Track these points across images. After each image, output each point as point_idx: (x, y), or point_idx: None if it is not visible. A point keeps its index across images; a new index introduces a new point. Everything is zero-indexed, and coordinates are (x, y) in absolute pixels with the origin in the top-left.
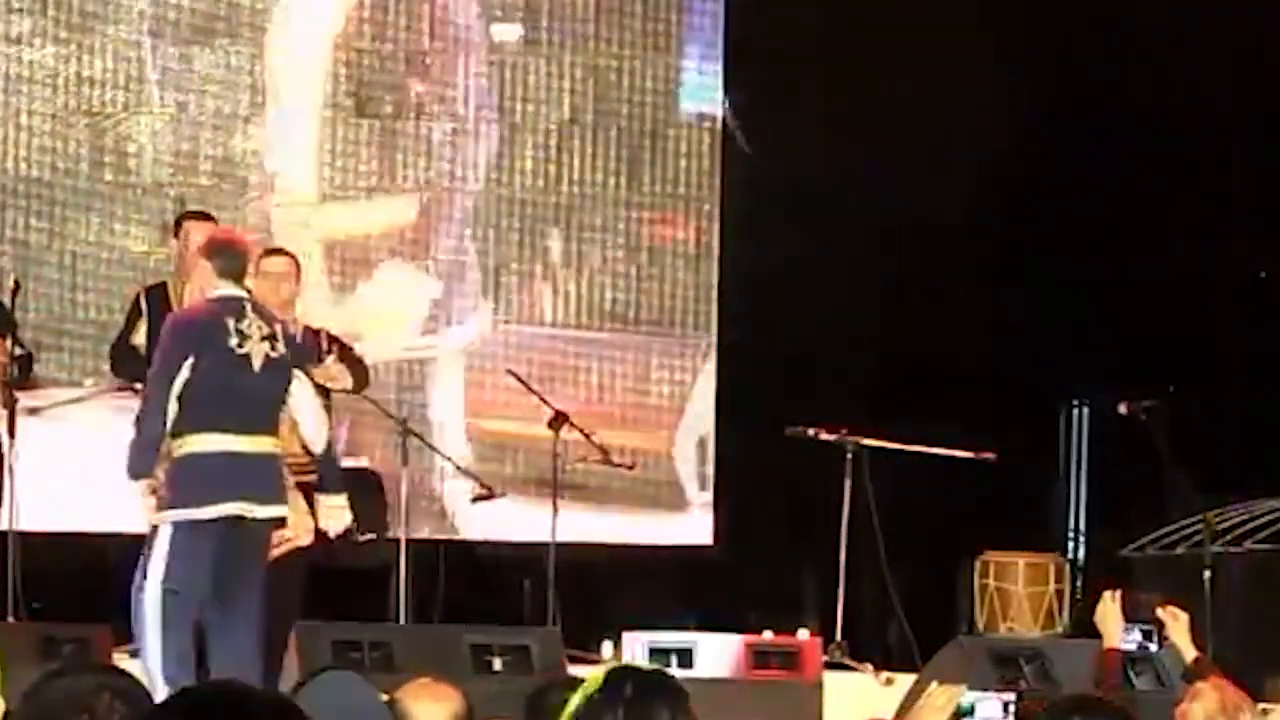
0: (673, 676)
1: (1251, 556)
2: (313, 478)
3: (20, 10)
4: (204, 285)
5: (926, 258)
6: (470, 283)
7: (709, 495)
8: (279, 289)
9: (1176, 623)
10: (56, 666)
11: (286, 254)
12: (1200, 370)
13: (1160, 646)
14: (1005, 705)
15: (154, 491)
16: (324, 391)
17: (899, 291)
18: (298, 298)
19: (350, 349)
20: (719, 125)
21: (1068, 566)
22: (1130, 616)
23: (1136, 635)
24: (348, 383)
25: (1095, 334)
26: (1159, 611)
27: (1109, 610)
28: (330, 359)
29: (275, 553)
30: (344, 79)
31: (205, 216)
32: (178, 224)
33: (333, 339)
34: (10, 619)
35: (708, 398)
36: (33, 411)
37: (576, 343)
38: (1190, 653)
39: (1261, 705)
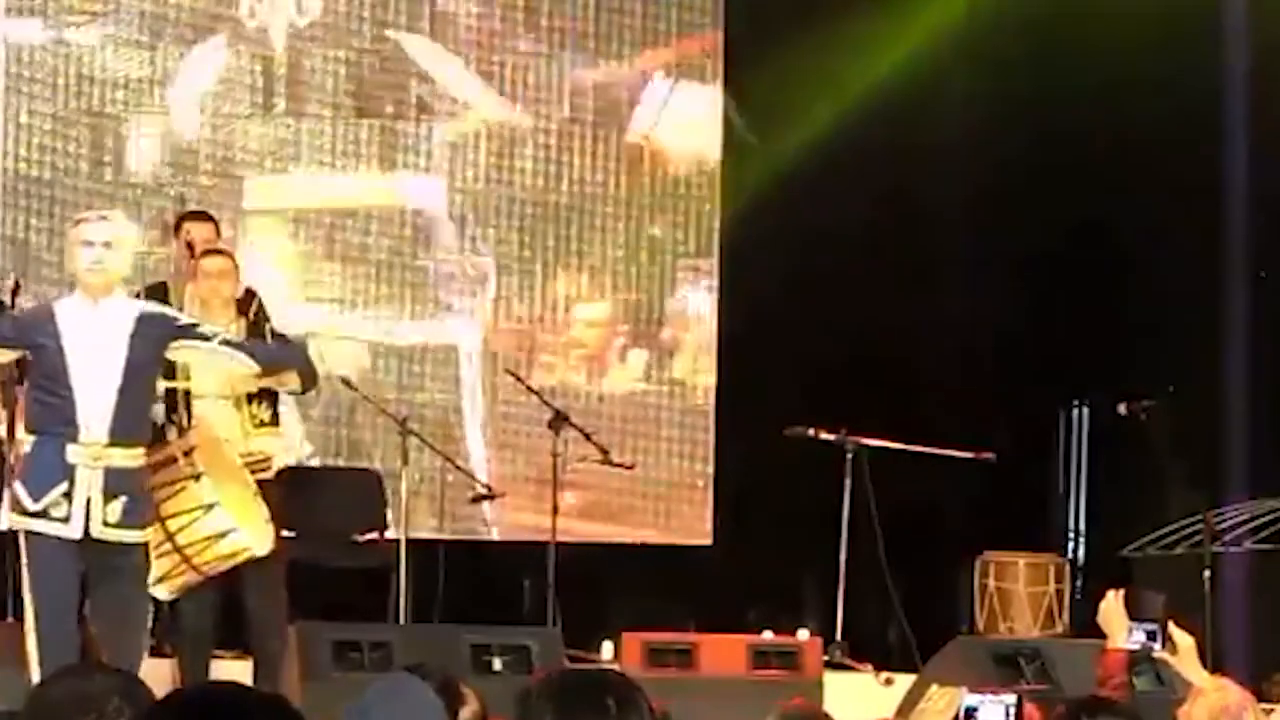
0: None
1: (1251, 556)
2: (267, 476)
3: (21, 10)
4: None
5: (927, 257)
6: (470, 283)
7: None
8: (219, 289)
9: (1184, 651)
10: (68, 666)
11: (224, 254)
12: (1200, 370)
13: (1162, 647)
14: (1007, 709)
15: None
16: (272, 394)
17: (899, 291)
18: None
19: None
20: (720, 124)
21: (1068, 566)
22: (1134, 615)
23: (1140, 635)
24: (296, 384)
25: (1095, 334)
26: (1172, 629)
27: (1112, 610)
28: None
29: (232, 564)
30: (344, 79)
31: (205, 216)
32: (178, 224)
33: (278, 337)
34: (10, 619)
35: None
36: None
37: (576, 343)
38: (1201, 679)
39: (1263, 705)
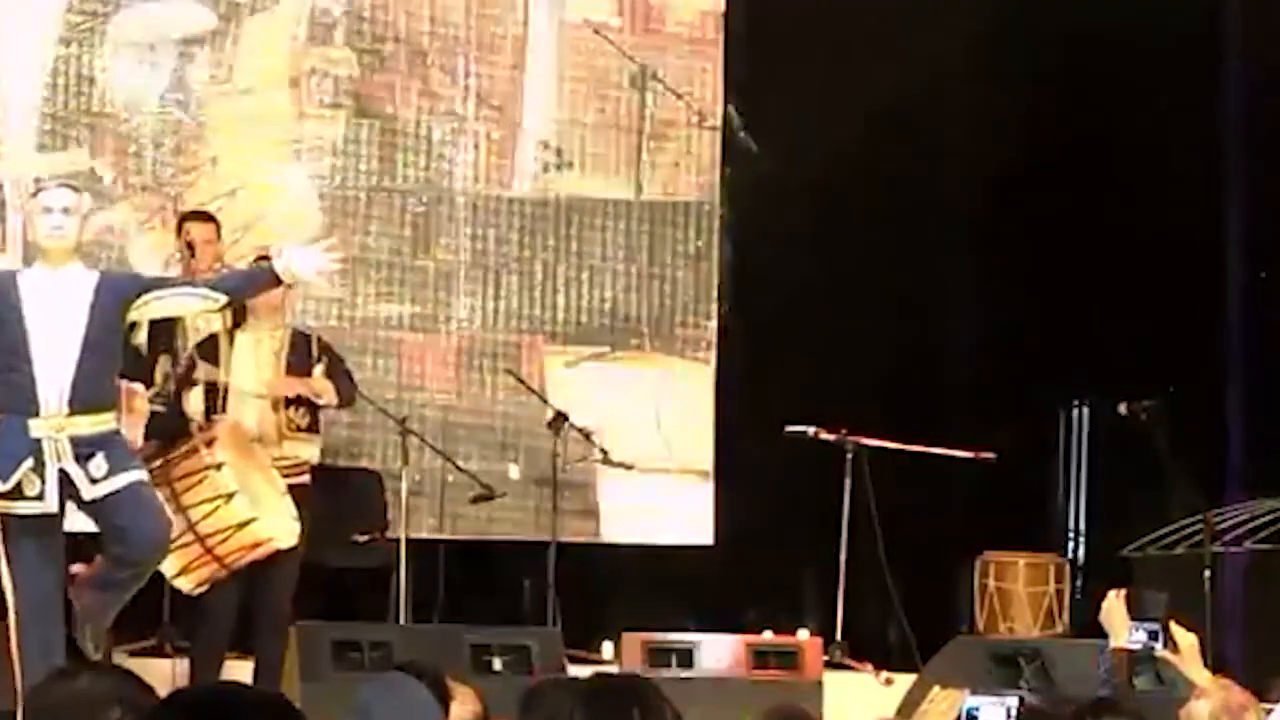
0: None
1: (1251, 556)
2: (302, 479)
3: (22, 9)
4: None
5: (927, 257)
6: (470, 283)
7: None
8: (204, 254)
9: (1186, 650)
10: (70, 666)
11: (207, 218)
12: (1200, 370)
13: (1164, 646)
14: (1009, 710)
15: None
16: (310, 403)
17: (899, 291)
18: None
19: (339, 361)
20: (719, 124)
21: (1068, 566)
22: (1136, 614)
23: (1142, 635)
24: (333, 398)
25: (1095, 334)
26: (1174, 627)
27: (1114, 609)
28: (318, 371)
29: (256, 554)
30: (344, 79)
31: (206, 216)
32: (179, 224)
33: (323, 348)
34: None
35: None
36: None
37: (576, 343)
38: (1202, 679)
39: (1263, 705)
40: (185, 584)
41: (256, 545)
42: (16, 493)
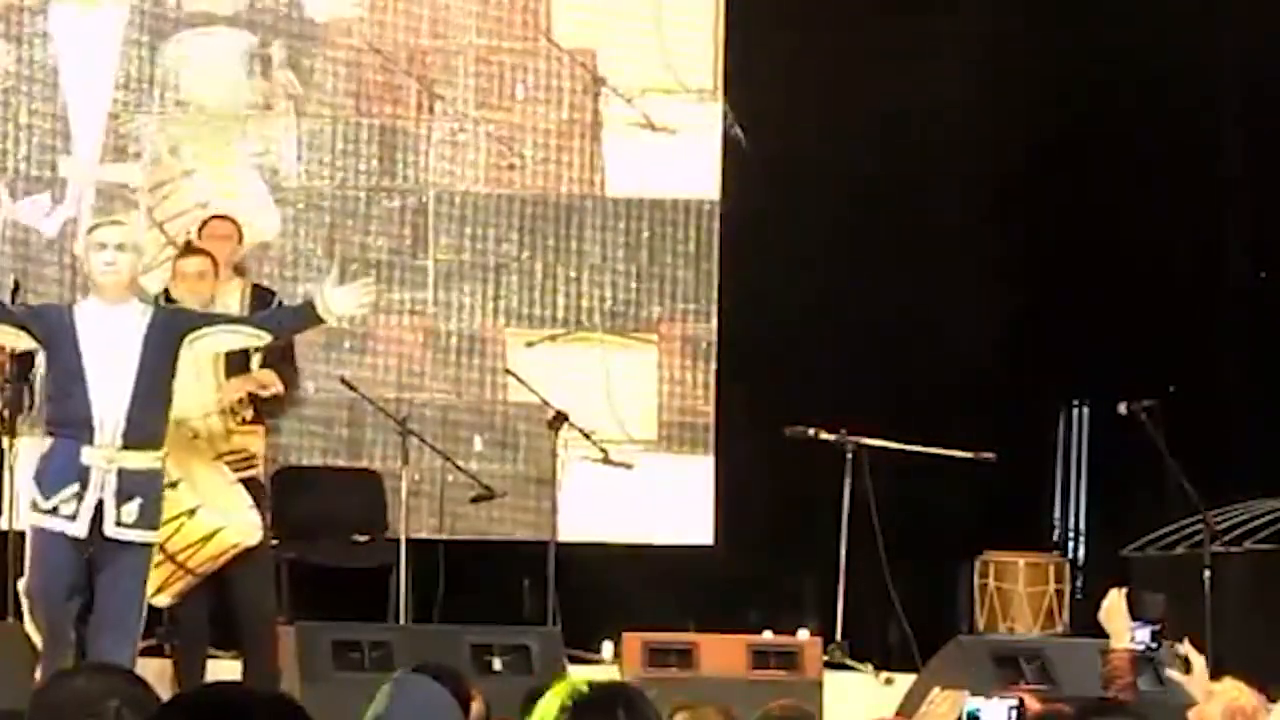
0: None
1: (1251, 556)
2: (253, 473)
3: (21, 9)
4: None
5: (928, 257)
6: (470, 282)
7: None
8: (197, 289)
9: (1197, 673)
10: (70, 666)
11: (203, 253)
12: (1200, 370)
13: (1159, 646)
14: (1009, 710)
15: None
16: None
17: (900, 291)
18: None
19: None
20: (720, 124)
21: (1068, 566)
22: (1135, 614)
23: (1144, 634)
24: (279, 387)
25: (1095, 334)
26: (1188, 649)
27: (1115, 609)
28: (254, 362)
29: (224, 560)
30: (344, 79)
31: (223, 217)
32: (202, 225)
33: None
34: (10, 619)
35: None
36: None
37: (576, 342)
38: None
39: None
40: (163, 599)
41: (224, 552)
42: (53, 511)
